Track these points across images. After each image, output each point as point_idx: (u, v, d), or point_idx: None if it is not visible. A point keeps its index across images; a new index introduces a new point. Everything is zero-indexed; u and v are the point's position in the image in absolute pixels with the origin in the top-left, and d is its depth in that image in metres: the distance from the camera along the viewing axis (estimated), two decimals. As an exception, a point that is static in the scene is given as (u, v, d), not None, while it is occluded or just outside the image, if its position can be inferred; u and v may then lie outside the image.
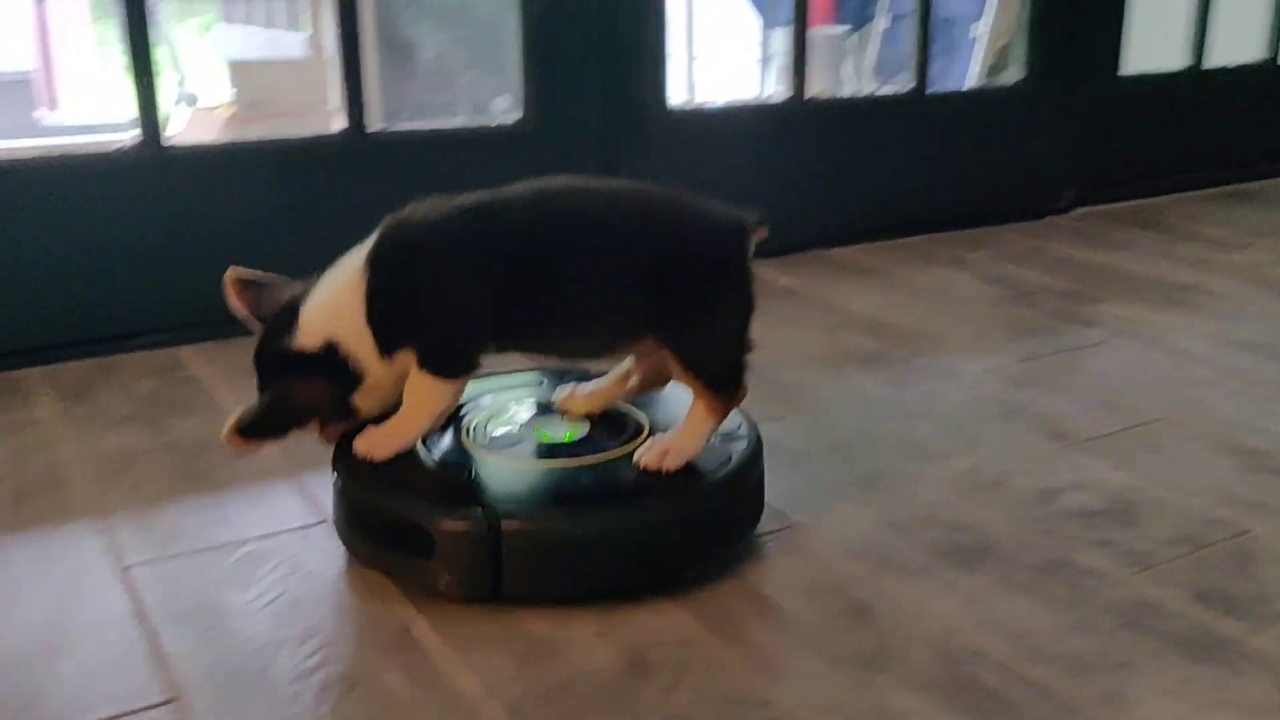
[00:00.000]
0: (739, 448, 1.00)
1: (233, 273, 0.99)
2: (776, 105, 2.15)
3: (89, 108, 5.32)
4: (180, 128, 3.69)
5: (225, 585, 0.95)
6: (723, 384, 0.99)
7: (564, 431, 1.03)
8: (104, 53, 5.90)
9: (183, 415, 1.30)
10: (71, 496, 1.11)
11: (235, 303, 0.98)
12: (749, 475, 1.01)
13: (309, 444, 1.00)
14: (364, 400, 0.97)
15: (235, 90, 3.65)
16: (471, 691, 0.81)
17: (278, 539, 1.02)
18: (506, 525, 0.89)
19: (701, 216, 1.00)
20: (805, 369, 1.43)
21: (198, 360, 1.47)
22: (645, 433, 1.02)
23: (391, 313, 0.94)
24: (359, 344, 0.94)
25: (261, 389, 0.97)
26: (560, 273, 0.95)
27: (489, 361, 0.98)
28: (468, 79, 3.94)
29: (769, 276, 1.81)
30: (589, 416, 1.06)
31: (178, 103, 4.47)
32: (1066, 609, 0.91)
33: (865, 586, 0.95)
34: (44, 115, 4.92)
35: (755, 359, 0.99)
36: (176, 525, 1.05)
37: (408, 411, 0.97)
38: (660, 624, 0.89)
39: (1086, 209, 2.31)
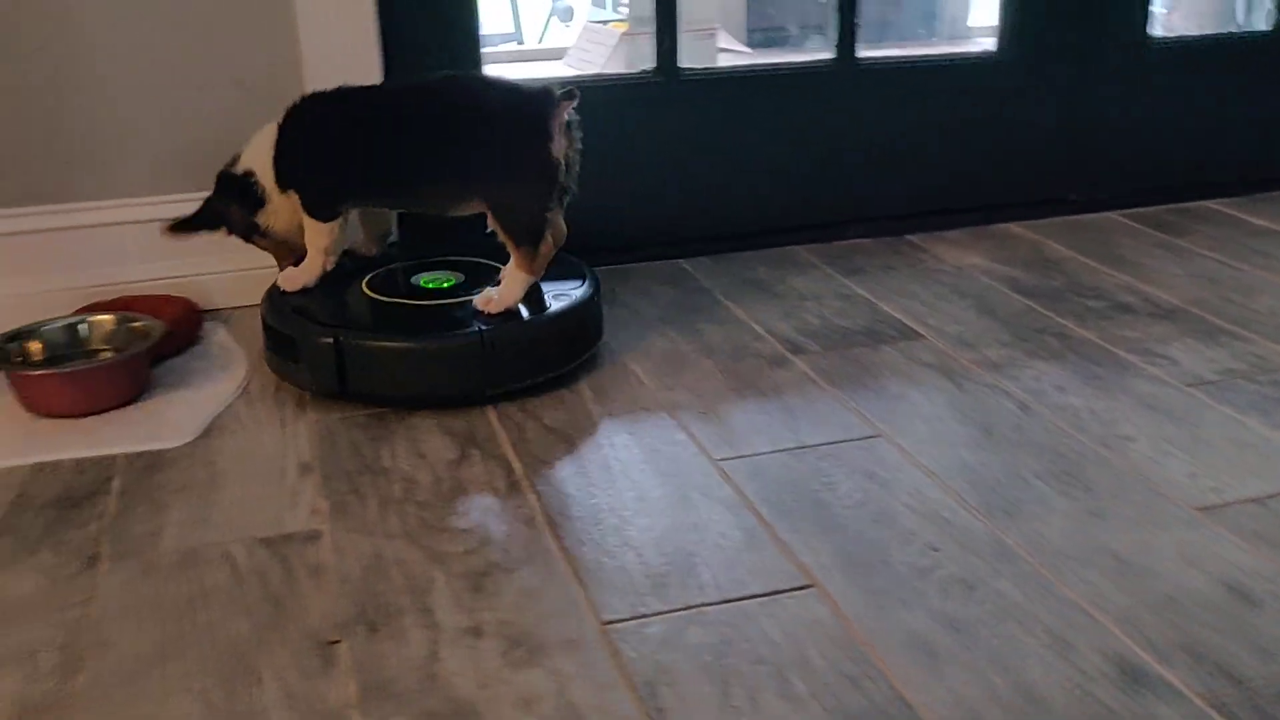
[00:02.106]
0: (559, 301, 1.27)
1: None
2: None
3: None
4: (566, 42, 3.87)
5: (812, 484, 1.04)
6: (527, 239, 1.23)
7: (444, 281, 1.31)
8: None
9: (709, 322, 1.41)
10: (640, 390, 1.24)
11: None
12: (549, 322, 1.24)
13: (853, 373, 1.11)
14: (267, 220, 1.31)
15: (628, 5, 3.77)
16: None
17: (841, 447, 1.11)
18: (347, 340, 1.19)
19: (512, 92, 1.24)
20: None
21: (699, 272, 1.59)
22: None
23: (282, 160, 1.27)
24: (265, 177, 1.28)
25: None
26: (401, 141, 1.24)
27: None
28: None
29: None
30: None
31: (550, 16, 4.70)
32: None
33: None
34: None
35: None
36: (745, 426, 1.15)
37: (309, 253, 1.30)
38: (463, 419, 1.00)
39: None
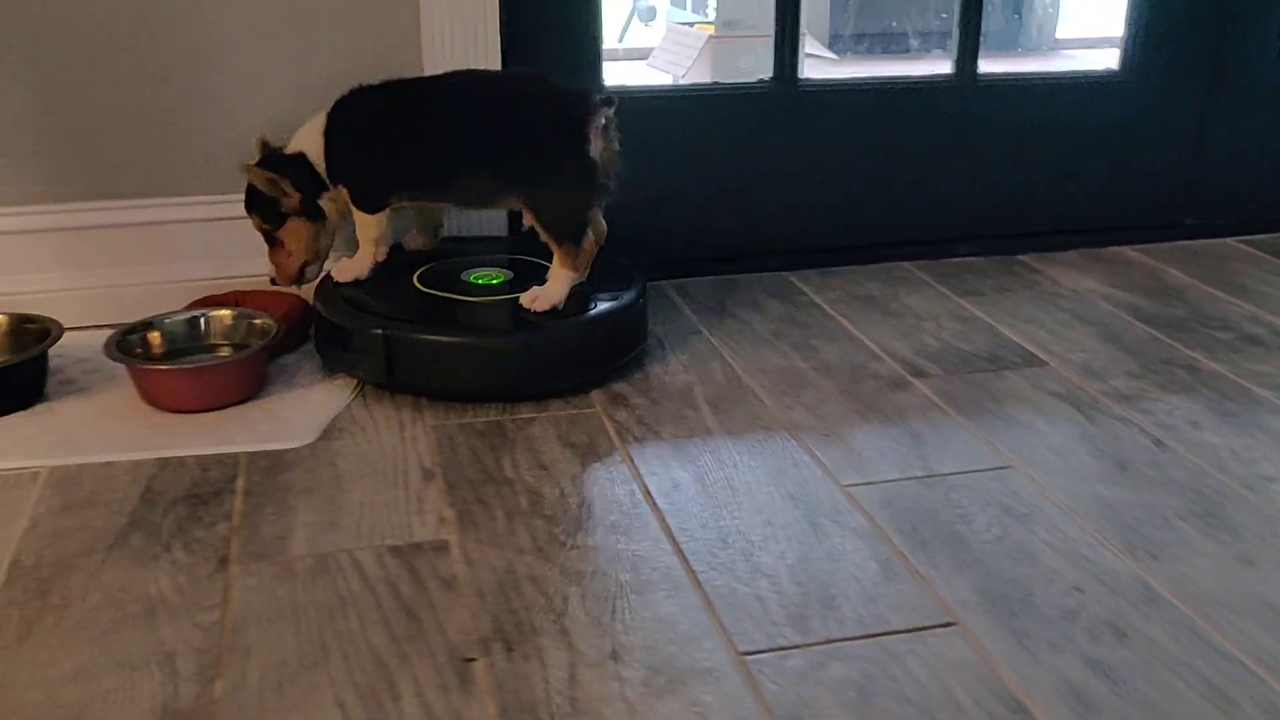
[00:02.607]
0: (608, 303, 1.27)
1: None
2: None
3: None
4: (647, 42, 3.86)
5: (946, 515, 1.02)
6: (567, 237, 1.24)
7: (494, 278, 1.32)
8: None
9: (823, 339, 1.39)
10: (760, 409, 1.22)
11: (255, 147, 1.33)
12: (594, 324, 1.25)
13: (978, 399, 1.12)
14: (330, 205, 1.31)
15: (716, 8, 3.75)
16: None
17: (972, 477, 1.08)
18: (395, 333, 1.21)
19: (553, 94, 1.26)
20: None
21: (807, 286, 1.57)
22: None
23: (332, 153, 1.28)
24: (319, 165, 1.29)
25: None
26: (443, 134, 1.25)
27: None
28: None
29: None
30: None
31: (631, 15, 4.69)
32: None
33: None
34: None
35: None
36: (870, 450, 1.13)
37: (361, 245, 1.32)
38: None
39: None
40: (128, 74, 1.37)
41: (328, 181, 1.30)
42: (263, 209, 1.30)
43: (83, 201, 1.40)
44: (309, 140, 1.29)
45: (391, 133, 1.28)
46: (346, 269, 1.33)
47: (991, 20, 3.92)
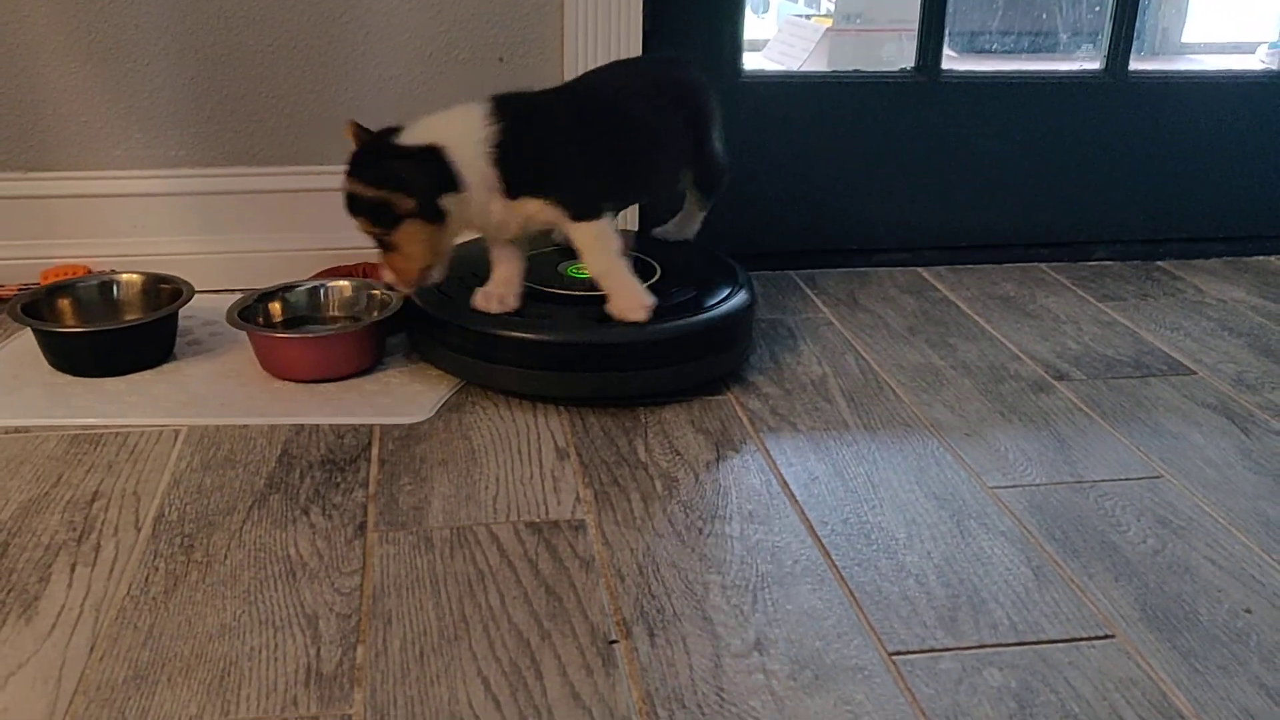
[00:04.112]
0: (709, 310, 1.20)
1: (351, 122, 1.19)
2: None
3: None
4: (762, 34, 3.82)
5: (1098, 523, 0.98)
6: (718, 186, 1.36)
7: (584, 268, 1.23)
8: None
9: (960, 338, 1.35)
10: (898, 405, 1.19)
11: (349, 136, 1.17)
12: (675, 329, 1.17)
13: (1124, 406, 1.09)
14: (454, 206, 1.13)
15: (835, 1, 3.69)
16: None
17: (1123, 485, 1.04)
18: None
19: (687, 66, 1.32)
20: None
21: (940, 283, 1.53)
22: (656, 274, 1.27)
23: (523, 164, 1.14)
24: (468, 166, 1.12)
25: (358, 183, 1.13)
26: (644, 132, 1.22)
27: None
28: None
29: None
30: None
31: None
32: None
33: None
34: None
35: None
36: (1015, 453, 1.09)
37: (597, 263, 1.18)
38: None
39: None
40: (263, 41, 1.39)
41: (462, 183, 1.12)
42: (372, 212, 1.13)
43: (219, 167, 1.42)
44: (453, 137, 1.12)
45: (601, 137, 1.18)
46: (625, 308, 1.17)
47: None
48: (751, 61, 1.53)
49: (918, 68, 1.52)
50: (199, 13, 1.36)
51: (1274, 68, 1.62)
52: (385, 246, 1.15)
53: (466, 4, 1.39)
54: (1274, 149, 1.63)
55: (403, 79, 1.41)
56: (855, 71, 1.51)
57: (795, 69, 3.42)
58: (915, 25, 1.60)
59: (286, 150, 1.42)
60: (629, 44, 1.39)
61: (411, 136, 1.13)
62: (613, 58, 1.39)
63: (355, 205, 1.13)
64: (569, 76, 1.40)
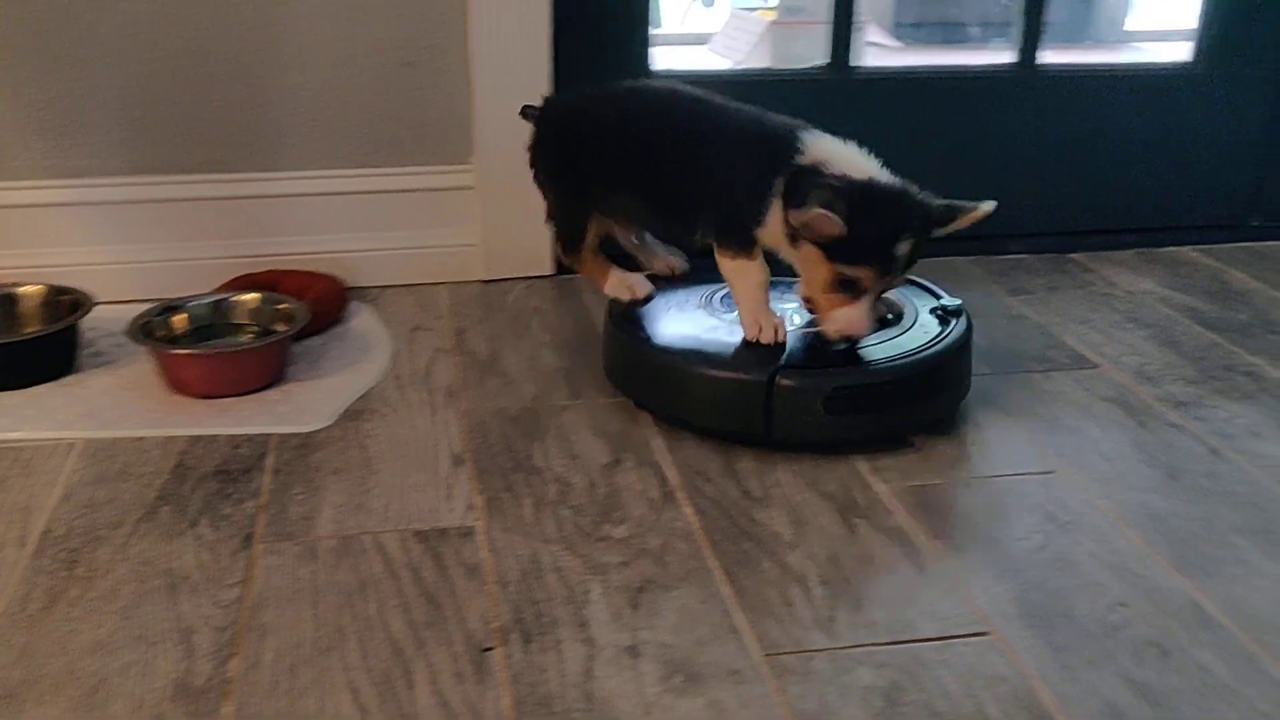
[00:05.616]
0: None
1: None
2: None
3: None
4: (709, 28, 3.82)
5: (985, 519, 0.98)
6: None
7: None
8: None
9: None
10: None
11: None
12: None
13: (1025, 400, 1.06)
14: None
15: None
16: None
17: (1016, 481, 1.04)
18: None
19: None
20: None
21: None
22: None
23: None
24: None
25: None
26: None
27: None
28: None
29: None
30: None
31: (693, 1, 4.65)
32: None
33: None
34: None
35: None
36: (910, 450, 1.09)
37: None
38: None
39: None
40: (167, 48, 1.37)
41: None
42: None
43: (125, 176, 1.40)
44: (853, 166, 1.07)
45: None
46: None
47: (1057, 10, 3.83)
48: (694, 57, 1.53)
49: (831, 64, 1.53)
50: (100, 20, 1.34)
51: (1187, 59, 1.64)
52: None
53: (373, 10, 1.38)
54: (1185, 140, 1.65)
55: (311, 85, 1.40)
56: (767, 70, 1.51)
57: (738, 61, 3.43)
58: (860, 18, 1.60)
59: (194, 158, 1.40)
60: (536, 44, 1.38)
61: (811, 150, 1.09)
62: (519, 58, 1.38)
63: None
64: (476, 78, 1.40)
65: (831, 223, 1.01)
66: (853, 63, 1.53)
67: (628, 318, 1.19)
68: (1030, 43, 1.56)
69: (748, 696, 0.77)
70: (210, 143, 1.41)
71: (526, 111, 1.23)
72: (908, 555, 0.93)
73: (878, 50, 3.47)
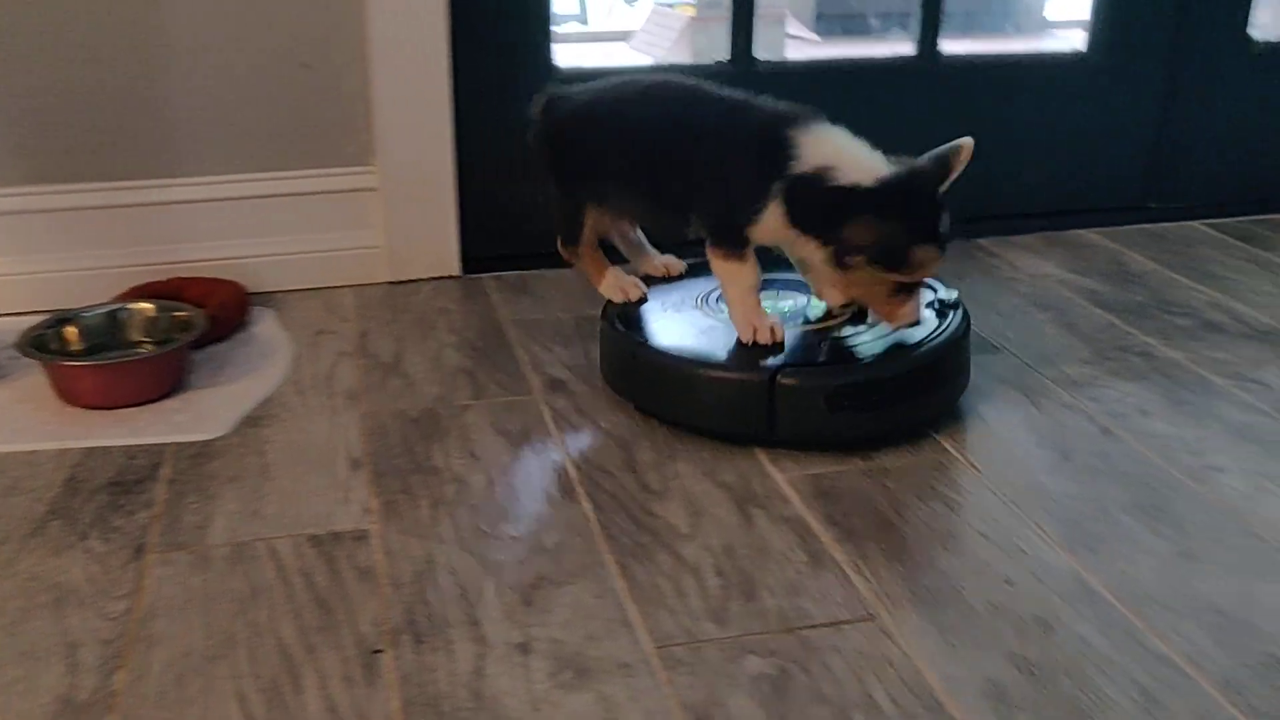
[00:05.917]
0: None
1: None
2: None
3: None
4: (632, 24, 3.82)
5: (880, 505, 0.99)
6: None
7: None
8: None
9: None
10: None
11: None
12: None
13: None
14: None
15: (697, -10, 3.71)
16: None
17: (913, 465, 1.06)
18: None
19: None
20: None
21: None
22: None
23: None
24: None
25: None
26: None
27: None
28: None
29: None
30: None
31: (618, -3, 4.64)
32: None
33: None
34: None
35: None
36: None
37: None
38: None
39: None
40: (63, 55, 1.34)
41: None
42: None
43: (16, 186, 1.37)
44: (850, 163, 1.11)
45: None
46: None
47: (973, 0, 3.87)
48: (617, 53, 1.53)
49: (732, 59, 1.54)
50: (-14, 24, 1.31)
51: (1081, 48, 1.67)
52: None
53: (269, 12, 1.37)
54: (1083, 126, 1.68)
55: (207, 89, 1.37)
56: (669, 65, 1.52)
57: (659, 58, 3.43)
58: (777, 11, 1.61)
59: (90, 167, 1.38)
60: (434, 43, 1.37)
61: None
62: (417, 57, 1.37)
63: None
64: (375, 79, 1.39)
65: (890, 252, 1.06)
66: (756, 55, 1.54)
67: (624, 320, 1.18)
68: (930, 33, 1.58)
69: (637, 689, 0.78)
70: (106, 150, 1.38)
71: (533, 105, 1.22)
72: (802, 543, 0.94)
73: (799, 44, 3.49)
